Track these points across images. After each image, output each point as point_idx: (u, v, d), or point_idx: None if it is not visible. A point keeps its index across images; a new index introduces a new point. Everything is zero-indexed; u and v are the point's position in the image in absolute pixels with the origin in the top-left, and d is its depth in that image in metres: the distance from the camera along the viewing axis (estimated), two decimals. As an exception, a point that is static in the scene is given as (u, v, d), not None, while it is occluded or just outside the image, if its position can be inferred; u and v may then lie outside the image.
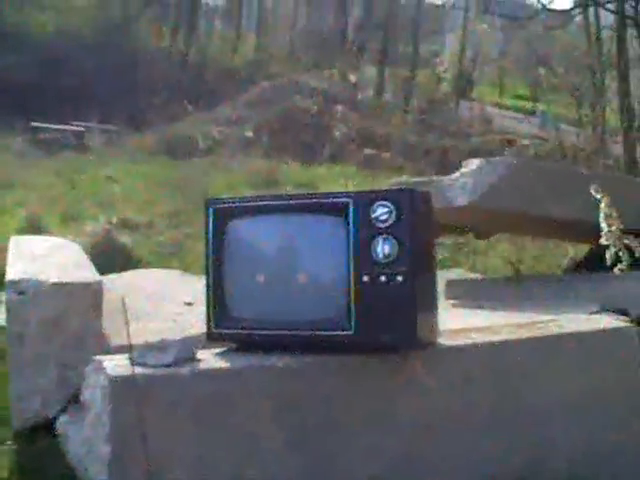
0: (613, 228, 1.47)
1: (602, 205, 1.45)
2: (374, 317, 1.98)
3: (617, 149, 12.42)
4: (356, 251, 1.99)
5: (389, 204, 1.98)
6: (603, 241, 1.48)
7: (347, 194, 2.06)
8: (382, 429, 2.10)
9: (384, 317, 1.97)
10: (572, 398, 2.36)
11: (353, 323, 1.99)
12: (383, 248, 1.97)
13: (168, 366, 1.94)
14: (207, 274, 2.16)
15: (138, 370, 1.88)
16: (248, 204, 2.20)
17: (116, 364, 1.95)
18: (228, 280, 2.14)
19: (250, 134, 12.97)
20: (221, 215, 2.15)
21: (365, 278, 1.98)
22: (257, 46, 25.62)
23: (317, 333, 2.03)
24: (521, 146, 14.45)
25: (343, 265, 2.00)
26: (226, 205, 2.19)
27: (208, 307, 2.15)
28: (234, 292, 2.14)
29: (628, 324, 2.51)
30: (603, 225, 1.45)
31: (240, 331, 2.13)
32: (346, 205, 2.02)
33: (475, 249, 6.16)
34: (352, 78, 18.70)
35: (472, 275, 5.23)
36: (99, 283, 2.58)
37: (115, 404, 1.86)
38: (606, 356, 2.42)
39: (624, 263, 1.48)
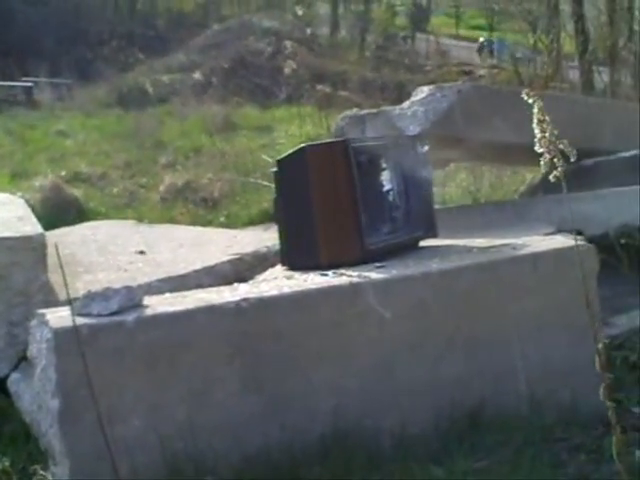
0: (547, 134, 1.41)
1: (534, 110, 1.39)
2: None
3: (574, 74, 12.42)
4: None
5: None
6: (537, 148, 1.42)
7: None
8: (338, 363, 2.08)
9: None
10: (528, 319, 2.36)
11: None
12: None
13: (113, 314, 1.88)
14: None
15: (81, 320, 1.82)
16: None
17: (59, 316, 1.89)
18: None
19: (201, 78, 12.71)
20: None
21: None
22: (206, -12, 24.98)
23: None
24: (478, 76, 14.39)
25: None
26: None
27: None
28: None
29: (582, 243, 2.49)
30: (536, 131, 1.40)
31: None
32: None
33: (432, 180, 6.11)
34: (304, 15, 18.38)
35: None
36: (41, 236, 2.50)
37: (60, 356, 1.80)
38: (561, 276, 2.41)
39: (559, 170, 1.42)
